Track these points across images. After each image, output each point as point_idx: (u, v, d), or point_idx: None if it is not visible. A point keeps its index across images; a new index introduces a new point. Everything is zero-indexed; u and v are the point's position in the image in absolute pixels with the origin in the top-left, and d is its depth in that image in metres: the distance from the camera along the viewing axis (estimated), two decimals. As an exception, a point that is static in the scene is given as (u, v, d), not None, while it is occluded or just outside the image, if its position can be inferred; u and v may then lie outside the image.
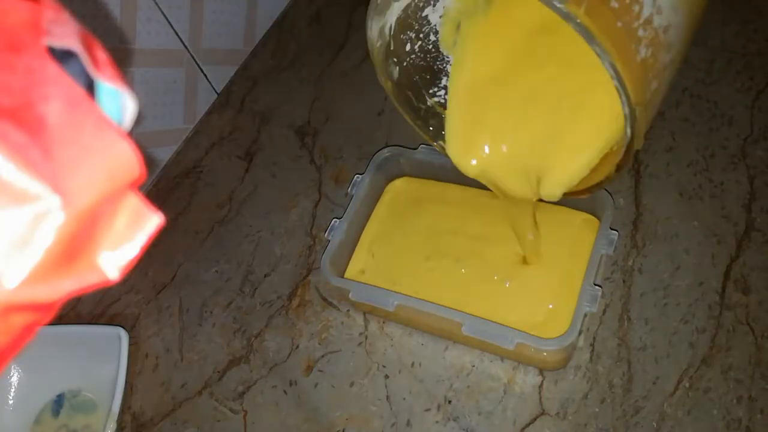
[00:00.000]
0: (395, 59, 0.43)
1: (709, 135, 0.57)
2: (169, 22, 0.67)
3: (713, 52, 0.62)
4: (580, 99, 0.39)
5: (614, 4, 0.32)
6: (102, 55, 0.17)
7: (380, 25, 0.41)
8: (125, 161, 0.16)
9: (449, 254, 0.53)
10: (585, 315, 0.45)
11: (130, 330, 0.58)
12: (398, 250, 0.56)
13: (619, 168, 0.39)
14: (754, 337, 0.47)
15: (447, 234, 0.54)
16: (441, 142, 0.47)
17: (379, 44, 0.42)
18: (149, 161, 0.71)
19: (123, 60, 0.64)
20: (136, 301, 0.63)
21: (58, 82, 0.15)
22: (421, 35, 0.44)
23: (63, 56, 0.16)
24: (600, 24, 0.31)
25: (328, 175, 0.66)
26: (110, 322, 0.61)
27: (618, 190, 0.56)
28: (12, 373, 0.57)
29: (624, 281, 0.52)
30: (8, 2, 0.15)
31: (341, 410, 0.52)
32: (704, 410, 0.45)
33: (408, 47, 0.44)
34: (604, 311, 0.51)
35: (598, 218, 0.51)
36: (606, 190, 0.50)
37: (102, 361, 0.55)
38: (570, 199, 0.51)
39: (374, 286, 0.51)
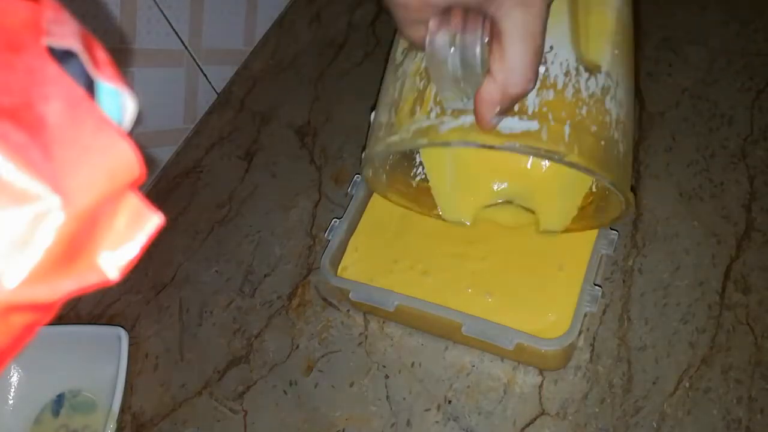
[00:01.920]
0: (381, 170, 0.48)
1: (709, 135, 0.57)
2: (169, 22, 0.67)
3: (713, 52, 0.62)
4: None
5: (593, 129, 0.36)
6: (102, 55, 0.17)
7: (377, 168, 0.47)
8: (125, 161, 0.16)
9: (431, 257, 0.53)
10: (585, 315, 0.45)
11: (130, 330, 0.58)
12: (378, 246, 0.55)
13: (619, 218, 0.44)
14: (754, 337, 0.47)
15: (429, 236, 0.54)
16: (436, 212, 0.51)
17: (372, 174, 0.47)
18: (149, 161, 0.71)
19: (123, 60, 0.64)
20: (136, 301, 0.63)
21: (58, 82, 0.15)
22: None
23: (63, 56, 0.16)
24: (589, 153, 0.35)
25: (328, 175, 0.66)
26: (110, 322, 0.61)
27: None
28: (12, 373, 0.57)
29: (624, 281, 0.52)
30: (8, 2, 0.15)
31: (341, 410, 0.52)
32: (704, 410, 0.45)
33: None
34: (604, 311, 0.51)
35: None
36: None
37: (102, 361, 0.55)
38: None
39: (373, 286, 0.51)
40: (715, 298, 0.49)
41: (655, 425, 0.45)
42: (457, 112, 0.35)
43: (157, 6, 0.65)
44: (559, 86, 0.35)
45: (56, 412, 0.57)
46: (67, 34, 0.16)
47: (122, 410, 0.52)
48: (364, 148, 0.44)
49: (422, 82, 0.38)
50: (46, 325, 0.16)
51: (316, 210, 0.64)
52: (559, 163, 0.34)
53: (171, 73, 0.70)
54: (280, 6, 0.83)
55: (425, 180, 0.50)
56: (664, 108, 0.60)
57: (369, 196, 0.57)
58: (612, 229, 0.48)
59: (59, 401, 0.58)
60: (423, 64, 0.38)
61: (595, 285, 0.45)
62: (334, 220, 0.54)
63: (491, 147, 0.34)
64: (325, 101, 0.72)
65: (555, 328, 0.46)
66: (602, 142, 0.36)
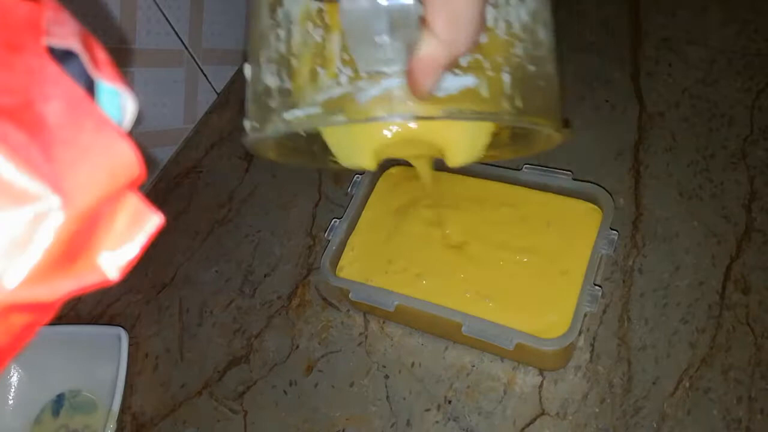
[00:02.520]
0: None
1: (709, 135, 0.57)
2: (169, 22, 0.67)
3: (713, 52, 0.62)
4: None
5: (532, 69, 0.30)
6: (102, 55, 0.17)
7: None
8: (125, 161, 0.16)
9: (427, 261, 0.52)
10: (585, 315, 0.45)
11: (130, 330, 0.58)
12: (373, 246, 0.55)
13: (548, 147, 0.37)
14: (754, 337, 0.47)
15: (420, 240, 0.54)
16: (331, 158, 0.42)
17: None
18: (149, 161, 0.71)
19: (123, 60, 0.64)
20: (136, 301, 0.63)
21: (58, 82, 0.15)
22: None
23: (63, 56, 0.16)
24: (532, 102, 0.30)
25: (328, 175, 0.66)
26: (110, 322, 0.61)
27: (618, 190, 0.56)
28: (12, 373, 0.57)
29: (624, 281, 0.52)
30: (8, 2, 0.15)
31: (341, 410, 0.52)
32: (704, 410, 0.45)
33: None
34: (604, 311, 0.51)
35: (601, 209, 0.50)
36: (606, 190, 0.50)
37: (102, 361, 0.55)
38: (573, 189, 0.51)
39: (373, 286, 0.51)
40: (715, 298, 0.49)
41: (655, 425, 0.45)
42: (376, 74, 0.27)
43: (157, 6, 0.65)
44: (490, 23, 0.28)
45: (56, 412, 0.57)
46: (67, 34, 0.16)
47: (122, 410, 0.52)
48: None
49: (318, 32, 0.29)
50: (46, 325, 0.16)
51: (316, 210, 0.64)
52: (501, 124, 0.29)
53: (171, 73, 0.70)
54: (280, 6, 0.83)
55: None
56: (664, 108, 0.60)
57: (368, 196, 0.57)
58: (612, 229, 0.48)
59: (59, 401, 0.58)
60: (314, 6, 0.29)
61: (595, 285, 0.45)
62: (334, 220, 0.54)
63: (431, 118, 0.29)
64: (325, 101, 0.72)
65: (555, 328, 0.46)
66: (541, 82, 0.31)
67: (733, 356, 0.46)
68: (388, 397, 0.51)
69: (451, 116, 0.28)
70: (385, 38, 0.25)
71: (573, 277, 0.48)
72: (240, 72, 0.80)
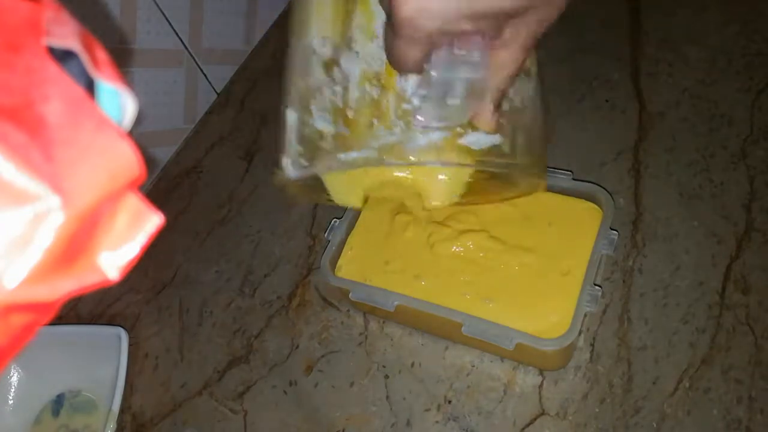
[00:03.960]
0: None
1: (709, 135, 0.57)
2: (169, 22, 0.67)
3: (713, 52, 0.62)
4: None
5: (536, 131, 0.38)
6: (102, 55, 0.17)
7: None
8: (125, 161, 0.16)
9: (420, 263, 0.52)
10: (585, 315, 0.45)
11: (130, 330, 0.58)
12: (370, 246, 0.55)
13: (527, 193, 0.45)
14: (754, 337, 0.47)
15: (415, 242, 0.54)
16: (327, 197, 0.48)
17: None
18: (149, 161, 0.71)
19: (123, 60, 0.64)
20: (136, 301, 0.63)
21: (58, 82, 0.15)
22: None
23: (63, 56, 0.16)
24: (532, 155, 0.37)
25: (328, 175, 0.66)
26: (110, 322, 0.61)
27: (618, 190, 0.56)
28: (12, 373, 0.57)
29: (624, 281, 0.52)
30: (8, 2, 0.15)
31: (341, 410, 0.52)
32: (704, 410, 0.45)
33: None
34: (604, 311, 0.51)
35: (601, 209, 0.50)
36: (606, 190, 0.50)
37: (102, 361, 0.55)
38: (573, 189, 0.51)
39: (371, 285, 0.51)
40: (715, 298, 0.49)
41: (655, 425, 0.45)
42: (426, 130, 0.34)
43: (157, 6, 0.65)
44: (510, 95, 0.36)
45: (56, 412, 0.57)
46: (67, 34, 0.16)
47: (122, 410, 0.52)
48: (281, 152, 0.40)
49: (375, 91, 0.35)
50: (46, 325, 0.16)
51: (316, 210, 0.64)
52: (516, 174, 0.36)
53: (171, 73, 0.70)
54: (280, 6, 0.83)
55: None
56: (664, 108, 0.60)
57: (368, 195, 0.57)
58: (612, 229, 0.48)
59: (59, 401, 0.58)
60: (373, 69, 0.35)
61: (595, 285, 0.45)
62: (334, 220, 0.54)
63: (469, 166, 0.35)
64: (325, 101, 0.72)
65: (555, 329, 0.46)
66: (539, 140, 0.38)
67: (733, 356, 0.46)
68: (388, 397, 0.51)
69: (478, 165, 0.35)
70: (456, 101, 0.31)
71: (573, 277, 0.48)
72: (240, 72, 0.80)
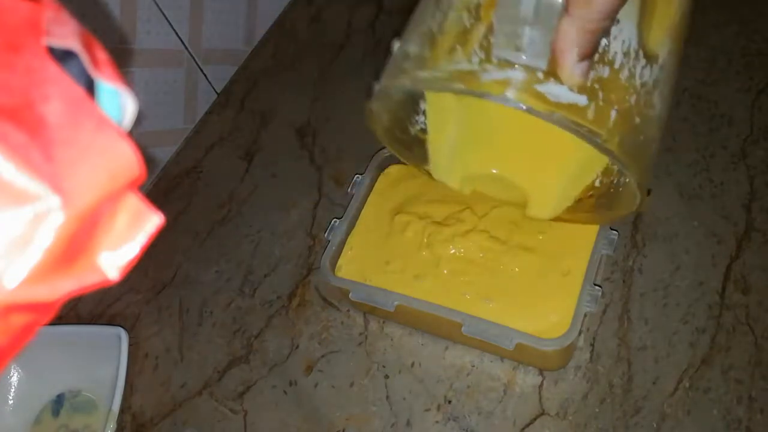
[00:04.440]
0: (385, 106, 0.44)
1: (709, 135, 0.57)
2: (169, 22, 0.67)
3: (713, 52, 0.62)
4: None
5: (637, 120, 0.33)
6: (102, 55, 0.17)
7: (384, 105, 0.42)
8: (125, 161, 0.16)
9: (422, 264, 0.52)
10: (585, 315, 0.45)
11: (130, 330, 0.58)
12: (371, 246, 0.55)
13: (621, 217, 0.42)
14: (754, 337, 0.47)
15: (414, 243, 0.54)
16: (426, 167, 0.47)
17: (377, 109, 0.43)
18: (149, 161, 0.71)
19: (123, 60, 0.64)
20: (136, 301, 0.63)
21: (58, 82, 0.15)
22: None
23: (63, 56, 0.16)
24: (628, 145, 0.33)
25: (328, 175, 0.66)
26: (110, 322, 0.61)
27: (618, 190, 0.56)
28: (12, 373, 0.57)
29: (624, 281, 0.52)
30: (8, 2, 0.15)
31: (341, 410, 0.52)
32: (704, 410, 0.45)
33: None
34: (604, 311, 0.51)
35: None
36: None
37: (102, 361, 0.55)
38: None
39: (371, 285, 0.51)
40: (715, 298, 0.49)
41: (655, 425, 0.45)
42: (504, 64, 0.31)
43: (157, 6, 0.65)
44: (616, 65, 0.32)
45: (56, 412, 0.57)
46: (67, 34, 0.16)
47: (122, 410, 0.52)
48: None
49: (470, 20, 0.33)
50: (46, 325, 0.16)
51: (316, 210, 0.64)
52: (594, 147, 0.32)
53: (171, 73, 0.70)
54: (280, 6, 0.83)
55: (424, 131, 0.46)
56: (664, 108, 0.60)
57: (368, 195, 0.57)
58: (612, 229, 0.48)
59: (59, 401, 0.58)
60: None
61: (595, 285, 0.45)
62: (334, 220, 0.54)
63: (532, 112, 0.31)
64: (325, 101, 0.72)
65: (555, 329, 0.46)
66: (641, 137, 0.34)
67: (733, 356, 0.46)
68: (388, 397, 0.51)
69: (550, 118, 0.30)
70: (527, 28, 0.28)
71: (573, 277, 0.48)
72: (240, 72, 0.80)
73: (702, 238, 0.52)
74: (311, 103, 0.72)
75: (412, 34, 0.37)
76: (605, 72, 0.32)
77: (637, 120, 0.33)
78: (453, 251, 0.51)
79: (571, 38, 0.28)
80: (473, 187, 0.46)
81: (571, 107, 0.31)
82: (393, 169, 0.59)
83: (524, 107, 0.30)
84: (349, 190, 0.56)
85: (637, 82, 0.33)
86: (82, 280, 0.16)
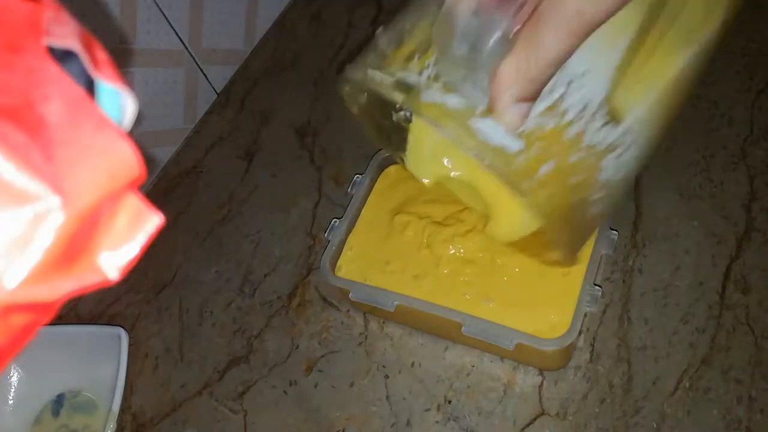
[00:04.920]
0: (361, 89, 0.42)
1: (709, 135, 0.57)
2: (169, 22, 0.67)
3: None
4: None
5: (572, 180, 0.31)
6: (102, 55, 0.17)
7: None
8: (125, 161, 0.16)
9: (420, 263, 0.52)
10: (585, 315, 0.45)
11: (130, 330, 0.58)
12: (371, 246, 0.54)
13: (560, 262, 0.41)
14: (754, 337, 0.47)
15: (415, 243, 0.53)
16: (402, 155, 0.46)
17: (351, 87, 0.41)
18: (149, 161, 0.71)
19: (123, 60, 0.64)
20: (136, 301, 0.63)
21: (58, 82, 0.15)
22: None
23: (63, 56, 0.16)
24: (550, 204, 0.31)
25: (328, 175, 0.66)
26: (110, 322, 0.61)
27: (618, 190, 0.56)
28: (12, 373, 0.57)
29: (624, 281, 0.52)
30: (8, 2, 0.15)
31: (341, 410, 0.52)
32: (704, 410, 0.45)
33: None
34: (604, 311, 0.51)
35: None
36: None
37: (102, 361, 0.55)
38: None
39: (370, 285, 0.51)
40: (715, 298, 0.49)
41: (655, 425, 0.45)
42: (449, 88, 0.30)
43: (157, 6, 0.65)
44: (567, 118, 0.30)
45: (56, 412, 0.57)
46: (67, 34, 0.16)
47: (122, 410, 0.52)
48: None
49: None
50: (46, 325, 0.16)
51: (316, 210, 0.64)
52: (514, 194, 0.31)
53: (171, 73, 0.70)
54: (280, 6, 0.83)
55: (407, 120, 0.44)
56: (664, 108, 0.60)
57: (368, 195, 0.57)
58: (612, 229, 0.48)
59: (59, 401, 0.58)
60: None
61: (595, 285, 0.45)
62: (334, 220, 0.54)
63: (458, 143, 0.30)
64: (325, 101, 0.72)
65: (555, 329, 0.46)
66: (572, 199, 0.32)
67: (733, 356, 0.46)
68: (388, 397, 0.51)
69: (473, 154, 0.29)
70: (462, 61, 0.28)
71: (573, 278, 0.48)
72: (240, 72, 0.80)
73: (702, 238, 0.52)
74: (311, 103, 0.72)
75: (391, 27, 0.36)
76: (551, 123, 0.30)
77: (573, 180, 0.31)
78: (453, 251, 0.51)
79: (510, 78, 0.26)
80: (447, 188, 0.45)
81: (497, 150, 0.30)
82: (393, 169, 0.59)
83: (447, 134, 0.30)
84: (349, 190, 0.56)
85: (586, 142, 0.31)
86: (82, 280, 0.16)
